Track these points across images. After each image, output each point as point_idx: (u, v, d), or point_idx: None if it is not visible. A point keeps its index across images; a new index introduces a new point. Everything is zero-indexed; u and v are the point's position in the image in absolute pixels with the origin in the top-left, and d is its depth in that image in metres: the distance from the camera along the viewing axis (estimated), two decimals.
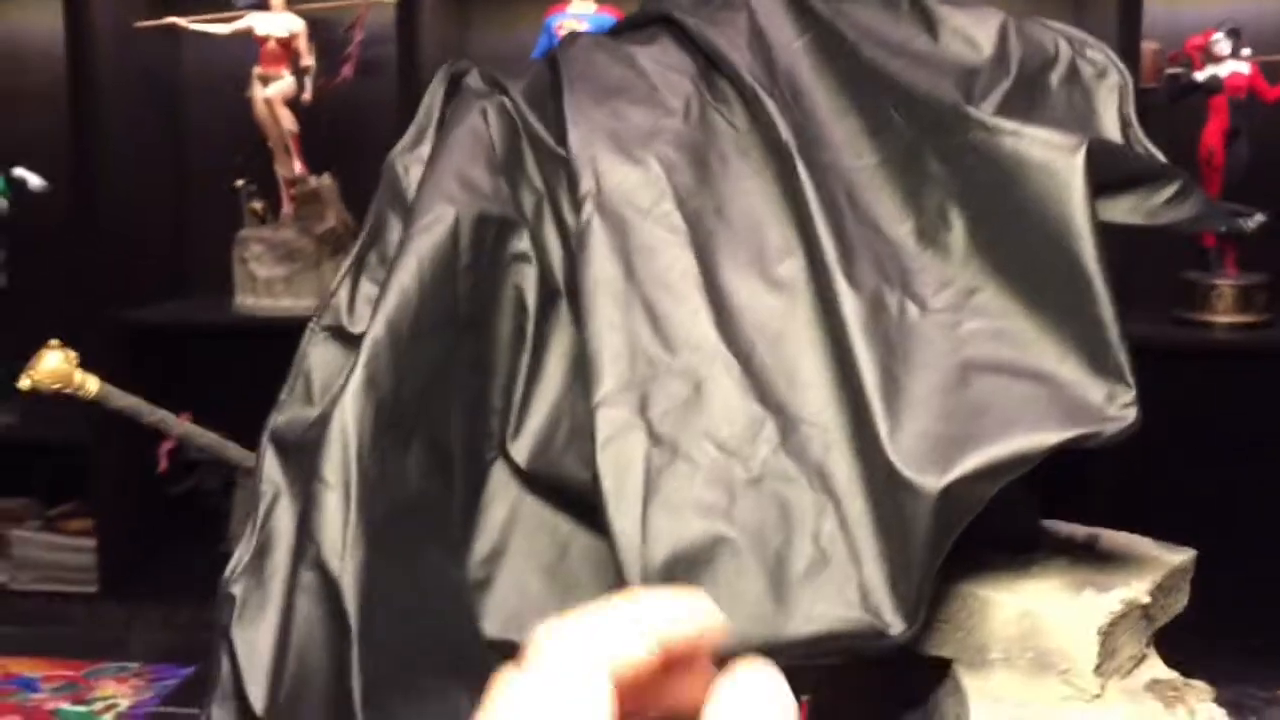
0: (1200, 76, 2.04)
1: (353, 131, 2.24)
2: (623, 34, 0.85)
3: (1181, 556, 0.73)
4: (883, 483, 0.60)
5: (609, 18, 1.91)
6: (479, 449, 0.69)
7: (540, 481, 0.69)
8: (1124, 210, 0.67)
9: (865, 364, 0.62)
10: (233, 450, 0.71)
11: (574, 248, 0.70)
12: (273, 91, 2.17)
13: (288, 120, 2.18)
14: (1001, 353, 0.63)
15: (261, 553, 0.64)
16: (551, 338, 0.71)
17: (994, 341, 0.63)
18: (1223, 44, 2.03)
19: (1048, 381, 0.61)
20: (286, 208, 2.24)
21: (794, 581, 0.61)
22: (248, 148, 2.24)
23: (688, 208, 0.70)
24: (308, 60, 2.19)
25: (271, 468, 0.67)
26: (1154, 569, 0.71)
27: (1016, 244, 0.65)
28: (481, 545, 0.67)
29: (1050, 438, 0.59)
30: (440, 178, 0.71)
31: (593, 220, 0.69)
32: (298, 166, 2.20)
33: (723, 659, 0.28)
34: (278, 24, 2.16)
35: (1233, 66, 2.03)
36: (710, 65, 0.77)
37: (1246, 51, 2.03)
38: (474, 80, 0.79)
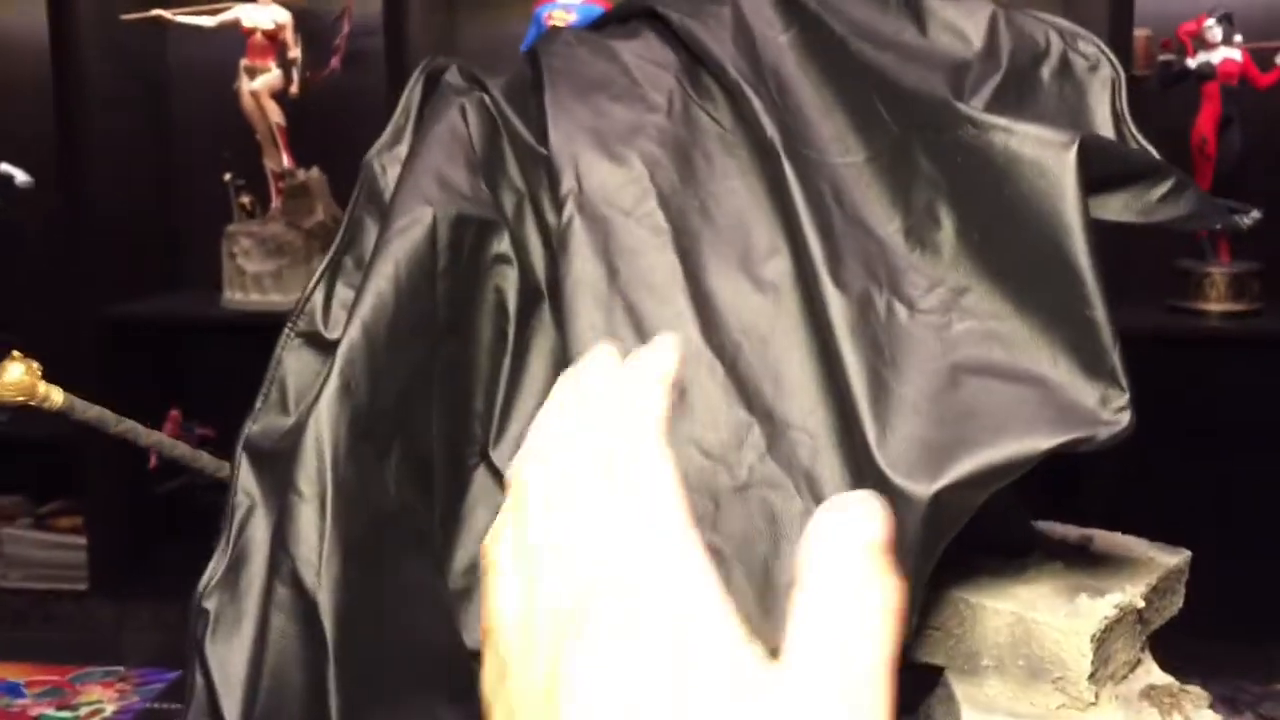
0: (1192, 63, 2.03)
1: (341, 124, 2.23)
2: (605, 28, 0.83)
3: (1176, 558, 0.72)
4: (871, 489, 0.59)
5: (597, 8, 1.90)
6: (460, 455, 0.67)
7: None
8: (1117, 208, 0.65)
9: (853, 367, 0.61)
10: (205, 460, 0.70)
11: (555, 248, 0.68)
12: (259, 84, 2.15)
13: (275, 113, 2.16)
14: (992, 355, 0.61)
15: (236, 566, 0.62)
16: (534, 341, 0.70)
17: (985, 343, 0.62)
18: (1215, 30, 2.01)
19: (1040, 384, 0.60)
20: (275, 202, 2.22)
21: (782, 591, 0.59)
22: (235, 141, 2.23)
23: (671, 207, 0.68)
24: (295, 52, 2.17)
25: (246, 478, 0.65)
26: (1148, 572, 0.69)
27: (1008, 243, 0.63)
28: (463, 554, 0.66)
29: (1042, 443, 0.57)
30: (418, 178, 0.69)
31: (574, 220, 0.67)
32: (286, 160, 2.18)
33: None
34: (264, 16, 2.14)
35: (1225, 53, 2.02)
36: (694, 60, 0.75)
37: (1238, 38, 2.02)
38: (453, 77, 0.78)
